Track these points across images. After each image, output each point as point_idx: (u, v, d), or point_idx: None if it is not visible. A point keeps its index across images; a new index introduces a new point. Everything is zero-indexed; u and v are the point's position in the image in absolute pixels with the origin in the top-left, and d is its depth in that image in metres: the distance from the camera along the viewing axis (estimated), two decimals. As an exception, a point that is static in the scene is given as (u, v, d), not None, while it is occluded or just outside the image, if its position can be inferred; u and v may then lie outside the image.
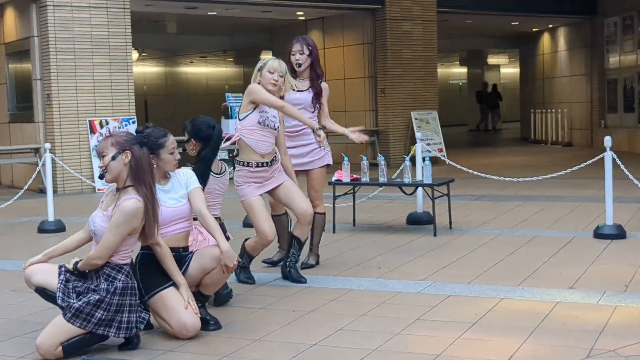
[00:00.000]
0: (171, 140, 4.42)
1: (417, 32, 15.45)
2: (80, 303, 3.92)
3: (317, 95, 5.94)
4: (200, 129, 4.90)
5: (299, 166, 5.84)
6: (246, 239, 5.49)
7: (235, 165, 5.33)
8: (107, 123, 12.04)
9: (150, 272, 4.24)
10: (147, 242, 4.23)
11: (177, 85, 24.72)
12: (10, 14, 12.64)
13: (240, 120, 5.27)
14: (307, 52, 5.88)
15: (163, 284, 4.25)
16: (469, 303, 4.82)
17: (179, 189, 4.43)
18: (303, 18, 16.51)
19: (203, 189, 4.81)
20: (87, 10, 11.87)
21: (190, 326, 4.19)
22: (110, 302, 3.95)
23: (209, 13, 15.38)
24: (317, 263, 6.04)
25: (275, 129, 5.32)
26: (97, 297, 3.93)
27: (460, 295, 5.03)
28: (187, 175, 4.49)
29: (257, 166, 5.26)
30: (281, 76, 5.27)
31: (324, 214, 5.94)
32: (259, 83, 5.27)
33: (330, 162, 6.03)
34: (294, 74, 5.88)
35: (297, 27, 16.75)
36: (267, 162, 5.27)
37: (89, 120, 11.90)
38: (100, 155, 4.09)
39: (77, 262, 4.08)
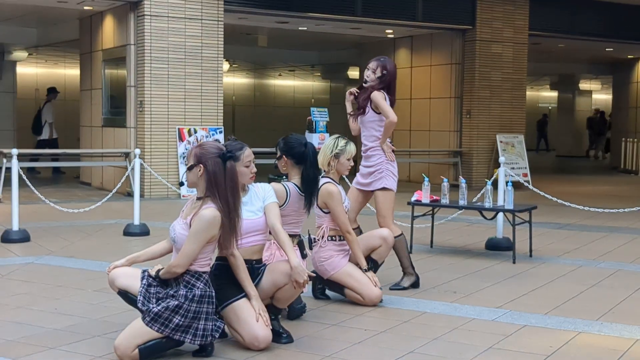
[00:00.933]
0: (247, 153, 4.50)
1: (507, 55, 15.28)
2: (159, 308, 4.03)
3: (363, 108, 5.91)
4: (292, 146, 4.99)
5: (362, 185, 5.96)
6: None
7: (314, 244, 5.43)
8: (195, 132, 12.34)
9: (223, 283, 4.33)
10: (223, 253, 4.32)
11: (264, 97, 25.11)
12: (109, 22, 13.12)
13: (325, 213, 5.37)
14: (379, 74, 5.86)
15: (235, 295, 4.33)
16: (545, 335, 4.73)
17: (256, 202, 4.52)
18: (392, 36, 16.54)
19: (308, 212, 4.99)
20: (182, 21, 12.22)
21: (262, 338, 4.25)
22: (188, 309, 4.05)
23: (300, 28, 15.59)
24: (417, 285, 5.98)
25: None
26: (176, 302, 4.04)
27: (536, 326, 4.94)
28: (265, 190, 4.59)
29: (341, 239, 5.40)
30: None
31: (398, 236, 5.87)
32: (329, 165, 5.38)
33: (387, 186, 5.84)
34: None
35: (385, 45, 16.80)
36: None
37: (178, 128, 12.22)
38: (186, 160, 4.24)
39: (159, 270, 4.21)
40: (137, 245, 7.50)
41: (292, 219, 4.93)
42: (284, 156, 5.02)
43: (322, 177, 5.33)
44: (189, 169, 4.19)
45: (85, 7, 13.04)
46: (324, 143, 5.53)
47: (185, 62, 12.28)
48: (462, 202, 7.44)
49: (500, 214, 7.70)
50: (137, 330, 4.04)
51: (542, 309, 5.35)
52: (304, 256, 4.97)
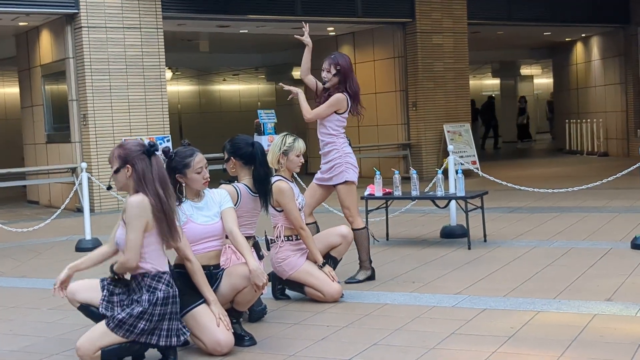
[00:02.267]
0: (197, 159, 4.43)
1: (448, 45, 15.43)
2: (123, 314, 3.96)
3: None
4: (239, 146, 4.96)
5: (323, 181, 5.97)
6: None
7: (272, 244, 5.39)
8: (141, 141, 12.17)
9: (182, 291, 4.28)
10: (178, 259, 4.26)
11: (210, 103, 24.92)
12: (45, 36, 12.88)
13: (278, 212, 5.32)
14: (333, 71, 5.91)
15: (195, 302, 4.28)
16: (505, 316, 4.78)
17: (212, 207, 4.47)
18: (334, 34, 16.58)
19: (267, 210, 4.94)
20: (121, 30, 12.05)
21: (224, 343, 4.21)
22: (153, 313, 3.98)
23: (241, 31, 15.52)
24: (373, 278, 6.01)
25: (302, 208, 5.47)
26: (140, 309, 3.97)
27: (496, 308, 4.98)
28: (221, 195, 4.54)
29: (297, 238, 5.37)
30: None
31: (361, 229, 5.93)
32: (279, 163, 5.37)
33: (348, 179, 5.87)
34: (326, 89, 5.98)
35: (327, 43, 16.82)
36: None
37: (124, 140, 12.04)
38: (110, 163, 4.14)
39: (112, 265, 4.13)
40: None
41: (246, 220, 4.90)
42: (232, 158, 4.98)
43: (273, 175, 5.31)
44: (116, 172, 4.08)
45: (20, 23, 12.78)
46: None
47: (127, 72, 12.12)
48: (414, 193, 7.49)
49: (453, 202, 7.77)
50: (100, 334, 3.96)
51: (500, 292, 5.41)
52: (260, 257, 4.94)
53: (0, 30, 13.56)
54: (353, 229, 5.84)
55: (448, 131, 14.99)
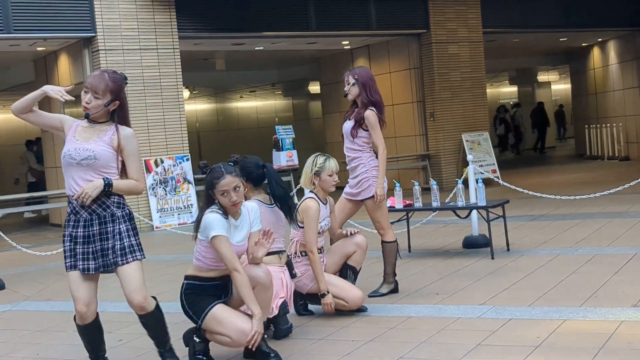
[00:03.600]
0: (222, 182, 4.33)
1: (464, 54, 15.42)
2: (133, 239, 4.07)
3: (357, 123, 5.90)
4: (250, 170, 4.97)
5: (351, 195, 5.96)
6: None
7: (296, 259, 5.38)
8: (162, 162, 12.26)
9: (197, 298, 4.32)
10: (229, 268, 4.28)
11: (228, 121, 25.05)
12: (64, 61, 13.01)
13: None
14: (352, 81, 5.91)
15: (211, 303, 4.32)
16: (531, 326, 4.74)
17: (245, 226, 4.48)
18: (349, 47, 16.62)
19: (294, 222, 5.06)
20: (138, 52, 12.16)
21: (249, 330, 4.22)
22: (134, 226, 4.15)
23: (256, 48, 15.60)
24: (396, 291, 5.99)
25: (326, 231, 5.51)
26: (125, 227, 4.08)
27: (522, 318, 4.95)
28: (255, 214, 4.54)
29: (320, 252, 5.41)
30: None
31: (391, 242, 5.94)
32: (312, 184, 5.39)
33: (373, 194, 5.84)
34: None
35: (343, 57, 16.87)
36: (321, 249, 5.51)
37: (145, 160, 12.13)
38: (92, 91, 4.13)
39: (110, 185, 4.11)
40: (114, 280, 7.38)
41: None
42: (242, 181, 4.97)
43: (309, 192, 5.33)
44: (106, 105, 4.14)
45: (39, 48, 12.93)
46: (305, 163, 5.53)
47: (145, 93, 12.21)
48: (435, 204, 7.46)
49: (474, 212, 7.73)
50: (139, 273, 4.05)
51: (525, 301, 5.37)
52: (293, 275, 4.95)
53: (18, 56, 13.73)
54: (383, 242, 5.86)
55: (467, 140, 14.95)
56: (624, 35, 18.52)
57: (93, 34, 11.90)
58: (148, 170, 12.12)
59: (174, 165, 12.31)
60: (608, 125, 19.01)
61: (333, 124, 16.89)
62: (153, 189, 12.12)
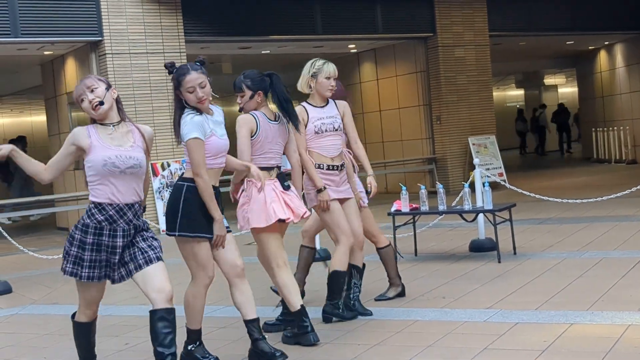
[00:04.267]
0: (187, 78, 4.34)
1: (470, 58, 15.40)
2: (157, 242, 4.12)
3: None
4: (259, 80, 4.95)
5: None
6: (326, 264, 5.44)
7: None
8: (168, 165, 12.28)
9: (194, 212, 4.34)
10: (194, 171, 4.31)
11: (235, 124, 25.09)
12: (70, 64, 13.05)
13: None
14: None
15: (201, 232, 4.37)
16: (538, 330, 4.73)
17: (222, 121, 4.54)
18: (355, 51, 16.62)
19: (297, 129, 4.93)
20: (145, 56, 12.18)
21: (240, 262, 4.41)
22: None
23: (263, 52, 15.62)
24: (403, 294, 5.95)
25: (336, 130, 5.25)
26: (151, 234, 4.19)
27: (528, 322, 4.94)
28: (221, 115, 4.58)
29: (329, 169, 5.23)
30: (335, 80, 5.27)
31: (385, 247, 5.85)
32: (309, 87, 5.28)
33: (352, 197, 5.45)
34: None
35: (349, 60, 16.87)
36: (336, 166, 5.25)
37: (151, 163, 12.16)
38: (88, 89, 4.07)
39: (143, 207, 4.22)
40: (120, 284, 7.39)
41: (268, 149, 4.81)
42: (258, 92, 4.91)
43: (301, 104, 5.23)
44: (106, 89, 4.09)
45: (46, 52, 12.97)
46: None
47: (152, 96, 12.24)
48: (441, 208, 7.46)
49: (481, 215, 7.73)
50: (164, 269, 4.08)
51: (532, 305, 5.36)
52: (285, 187, 4.79)
53: (26, 60, 13.79)
54: (377, 249, 5.81)
55: (473, 144, 14.93)
56: (631, 38, 18.48)
57: (100, 38, 11.94)
58: (155, 173, 12.15)
59: (181, 169, 12.32)
60: (615, 128, 18.96)
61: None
62: (160, 192, 12.14)
